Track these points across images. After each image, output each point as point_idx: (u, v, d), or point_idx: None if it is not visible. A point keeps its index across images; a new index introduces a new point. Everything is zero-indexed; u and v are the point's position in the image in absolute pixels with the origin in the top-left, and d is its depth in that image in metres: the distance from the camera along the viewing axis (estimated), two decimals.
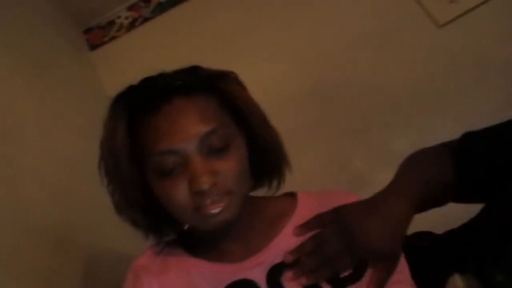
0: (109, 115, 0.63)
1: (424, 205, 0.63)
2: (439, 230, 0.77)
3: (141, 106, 0.60)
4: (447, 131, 1.27)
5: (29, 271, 0.75)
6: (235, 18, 1.55)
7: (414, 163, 0.67)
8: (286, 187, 0.72)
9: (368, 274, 0.62)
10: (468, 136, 0.65)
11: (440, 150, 0.67)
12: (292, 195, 0.72)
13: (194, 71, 0.64)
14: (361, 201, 0.64)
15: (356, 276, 0.62)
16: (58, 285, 0.81)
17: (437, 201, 0.65)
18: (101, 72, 1.57)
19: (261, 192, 0.71)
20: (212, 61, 0.66)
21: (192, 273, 0.65)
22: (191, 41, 1.55)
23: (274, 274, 0.63)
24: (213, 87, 0.62)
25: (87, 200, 1.04)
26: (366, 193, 0.66)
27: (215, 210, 0.58)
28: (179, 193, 0.58)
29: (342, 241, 0.60)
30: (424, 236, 0.68)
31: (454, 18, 1.38)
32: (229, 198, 0.58)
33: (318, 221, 0.64)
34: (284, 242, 0.65)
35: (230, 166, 0.59)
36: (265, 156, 0.67)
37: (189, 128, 0.58)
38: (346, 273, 0.62)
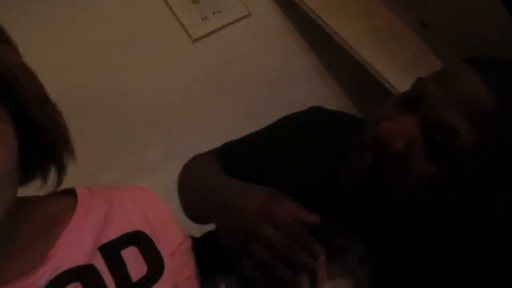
0: None
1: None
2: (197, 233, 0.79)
3: None
4: (198, 141, 1.36)
5: None
6: None
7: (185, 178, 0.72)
8: None
9: (166, 273, 0.56)
10: (230, 143, 0.77)
11: (207, 159, 0.74)
12: (70, 193, 0.58)
13: None
14: None
15: (153, 277, 0.55)
16: None
17: None
18: None
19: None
20: None
21: None
22: None
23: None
24: None
25: None
26: None
27: None
28: None
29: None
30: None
31: (206, 34, 1.49)
32: None
33: None
34: (62, 253, 0.51)
35: None
36: (39, 141, 0.50)
37: None
38: (139, 276, 0.54)
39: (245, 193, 0.59)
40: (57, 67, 1.30)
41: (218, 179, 0.66)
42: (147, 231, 0.58)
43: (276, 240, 0.53)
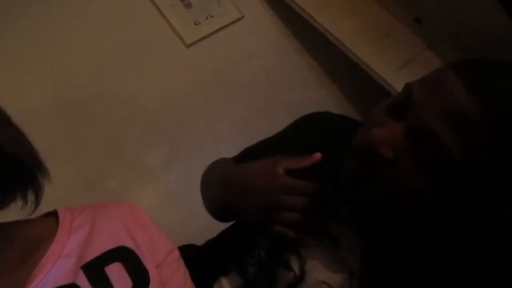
0: None
1: None
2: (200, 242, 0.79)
3: None
4: (197, 143, 1.36)
5: None
6: None
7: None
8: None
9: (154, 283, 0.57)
10: (246, 149, 0.78)
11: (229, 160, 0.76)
12: (52, 214, 0.59)
13: None
14: None
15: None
16: None
17: None
18: None
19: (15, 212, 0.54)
20: None
21: None
22: None
23: None
24: None
25: None
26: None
27: None
28: None
29: None
30: (186, 249, 0.68)
31: (199, 39, 1.48)
32: None
33: None
34: (45, 273, 0.52)
35: None
36: (11, 165, 0.51)
37: None
38: None
39: (254, 172, 0.62)
40: (52, 74, 1.30)
41: (233, 165, 0.72)
42: (131, 246, 0.58)
43: (298, 202, 0.56)
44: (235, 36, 1.53)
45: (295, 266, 0.59)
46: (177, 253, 0.63)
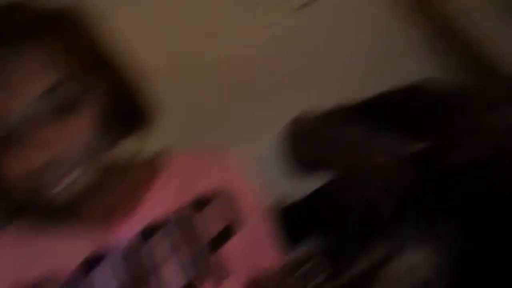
0: None
1: None
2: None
3: None
4: (294, 110, 1.35)
5: None
6: None
7: None
8: None
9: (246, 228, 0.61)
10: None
11: None
12: (160, 155, 0.66)
13: (19, 9, 0.51)
14: None
15: (229, 235, 0.60)
16: None
17: None
18: None
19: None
20: None
21: (43, 243, 0.56)
22: None
23: (139, 241, 0.57)
24: (48, 33, 0.50)
25: None
26: None
27: (60, 187, 0.49)
28: (13, 168, 0.48)
29: None
30: (275, 206, 0.71)
31: (307, 3, 1.45)
32: (78, 169, 0.50)
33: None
34: (150, 207, 0.60)
35: (79, 131, 0.50)
36: (127, 110, 0.58)
37: (18, 87, 0.47)
38: (217, 231, 0.60)
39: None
40: (154, 35, 1.35)
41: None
42: (226, 191, 0.63)
43: None
44: (345, 4, 1.47)
45: (390, 241, 0.59)
46: (267, 204, 0.67)
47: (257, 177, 0.68)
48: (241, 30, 1.41)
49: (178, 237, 0.59)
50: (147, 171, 0.64)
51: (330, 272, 0.67)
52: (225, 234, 0.61)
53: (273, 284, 0.60)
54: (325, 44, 1.44)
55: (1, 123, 0.47)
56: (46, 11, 0.52)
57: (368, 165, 0.58)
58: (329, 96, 0.86)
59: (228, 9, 1.42)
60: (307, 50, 1.43)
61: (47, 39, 0.51)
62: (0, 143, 0.47)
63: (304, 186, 0.77)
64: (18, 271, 0.55)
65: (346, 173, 0.62)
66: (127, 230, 0.58)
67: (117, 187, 0.60)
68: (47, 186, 0.49)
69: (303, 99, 1.38)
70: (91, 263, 0.56)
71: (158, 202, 0.60)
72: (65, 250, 0.56)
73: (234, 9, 1.42)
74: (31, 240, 0.57)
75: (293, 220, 0.69)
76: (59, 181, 0.49)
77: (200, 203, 0.62)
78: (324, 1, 1.46)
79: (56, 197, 0.50)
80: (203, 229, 0.60)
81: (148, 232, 0.58)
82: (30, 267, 0.56)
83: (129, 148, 0.62)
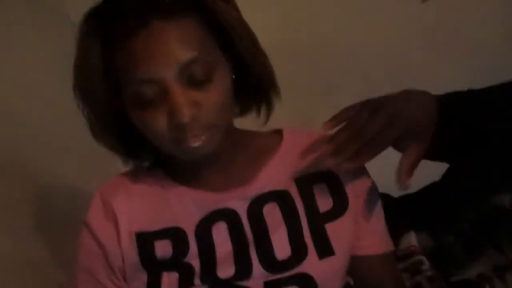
0: (80, 34, 0.56)
1: None
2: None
3: (115, 28, 0.54)
4: None
5: None
6: None
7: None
8: None
9: (350, 209, 0.63)
10: (451, 93, 0.67)
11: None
12: (278, 133, 0.70)
13: None
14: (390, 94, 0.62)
15: (337, 212, 0.63)
16: (4, 211, 0.78)
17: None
18: None
19: (249, 121, 0.67)
20: None
21: (170, 197, 0.64)
22: None
23: (256, 206, 0.62)
24: (198, 6, 0.56)
25: (52, 135, 1.00)
26: None
27: (196, 144, 0.55)
28: (158, 125, 0.54)
29: (382, 117, 0.57)
30: (381, 197, 0.70)
31: None
32: (210, 131, 0.55)
33: (347, 110, 0.62)
34: (267, 177, 0.64)
35: (213, 98, 0.55)
36: (253, 82, 0.62)
37: (169, 55, 0.52)
38: (325, 209, 0.62)
39: None
40: (279, 21, 1.38)
41: None
42: (336, 173, 0.65)
43: None
44: None
45: (508, 250, 0.55)
46: (375, 191, 0.67)
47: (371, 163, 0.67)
48: (369, 19, 1.39)
49: (288, 209, 0.63)
50: (265, 144, 0.68)
51: (434, 273, 0.65)
52: (332, 213, 0.63)
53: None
54: (452, 35, 1.35)
55: (154, 85, 0.53)
56: None
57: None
58: (457, 87, 0.82)
59: (355, 1, 1.40)
60: (434, 41, 1.36)
61: (200, 12, 0.56)
62: (151, 102, 0.54)
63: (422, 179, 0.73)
64: (147, 218, 0.63)
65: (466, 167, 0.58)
66: (242, 196, 0.63)
67: (238, 155, 0.66)
68: (187, 140, 0.55)
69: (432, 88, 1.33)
70: (210, 222, 0.62)
71: (273, 175, 0.64)
72: (183, 209, 0.63)
73: (361, 1, 1.40)
74: (159, 193, 0.65)
75: (403, 212, 0.67)
76: (197, 138, 0.55)
77: (310, 181, 0.65)
78: None
79: (193, 151, 0.56)
80: (310, 204, 0.64)
81: (263, 200, 0.63)
82: (155, 216, 0.63)
83: (252, 120, 0.66)
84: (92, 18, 0.57)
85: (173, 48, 0.53)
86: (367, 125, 0.56)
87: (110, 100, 0.58)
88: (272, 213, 0.62)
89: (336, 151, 0.58)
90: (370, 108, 0.57)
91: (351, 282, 0.66)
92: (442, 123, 0.59)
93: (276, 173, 0.65)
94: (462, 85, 0.81)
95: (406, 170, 0.57)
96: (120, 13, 0.55)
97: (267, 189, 0.64)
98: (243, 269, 0.60)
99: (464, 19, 1.36)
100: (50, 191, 0.94)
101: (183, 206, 0.63)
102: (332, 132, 0.60)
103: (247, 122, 0.68)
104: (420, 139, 0.58)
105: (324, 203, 0.64)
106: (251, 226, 0.62)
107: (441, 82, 1.30)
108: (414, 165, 0.58)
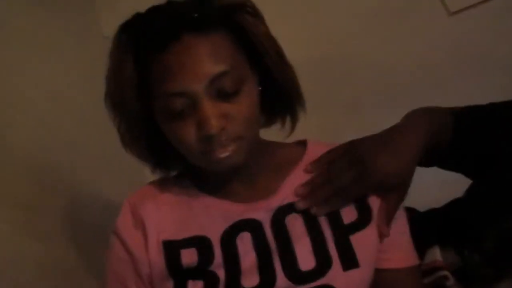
0: (114, 46, 0.59)
1: (427, 151, 0.63)
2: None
3: (148, 41, 0.57)
4: None
5: (7, 198, 0.74)
6: None
7: (422, 111, 0.69)
8: None
9: (374, 221, 0.63)
10: (471, 107, 0.69)
11: (445, 110, 0.70)
12: (302, 144, 0.72)
13: (205, 1, 0.59)
14: (375, 134, 0.64)
15: (362, 224, 0.63)
16: (37, 217, 0.80)
17: (433, 153, 0.65)
18: (100, 9, 1.51)
19: (273, 133, 0.69)
20: None
21: (196, 207, 0.65)
22: None
23: (279, 216, 0.63)
24: (227, 21, 0.58)
25: (85, 144, 1.03)
26: None
27: (223, 155, 0.56)
28: (187, 136, 0.56)
29: (354, 170, 0.60)
30: (407, 210, 0.70)
31: (465, 8, 1.36)
32: (237, 143, 0.57)
33: (329, 155, 0.65)
34: (290, 188, 0.65)
35: (241, 111, 0.56)
36: (279, 95, 0.64)
37: (199, 69, 0.54)
38: (350, 221, 0.63)
39: None
40: (306, 36, 1.40)
41: None
42: None
43: None
44: (499, 11, 1.34)
45: None
46: (402, 207, 0.66)
47: None
48: (396, 34, 1.39)
49: (310, 220, 0.63)
50: (289, 155, 0.69)
51: None
52: (356, 225, 0.63)
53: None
54: (482, 48, 1.33)
55: (184, 97, 0.55)
56: (229, 2, 0.59)
57: None
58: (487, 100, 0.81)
59: (383, 13, 1.40)
60: (464, 55, 1.34)
61: (230, 27, 0.58)
62: (181, 114, 0.56)
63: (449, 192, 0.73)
64: (174, 227, 0.64)
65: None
66: (267, 207, 0.64)
67: (263, 166, 0.67)
68: (215, 151, 0.56)
69: (459, 104, 1.31)
70: (235, 232, 0.63)
71: (299, 182, 0.65)
72: (209, 219, 0.64)
73: (389, 13, 1.40)
74: (186, 202, 0.66)
75: (429, 226, 0.67)
76: (224, 149, 0.56)
77: None
78: (482, 5, 1.36)
79: (220, 162, 0.57)
80: (335, 216, 0.64)
81: (286, 211, 0.63)
82: (182, 225, 0.64)
83: (278, 133, 0.68)
84: (125, 31, 0.59)
85: (204, 62, 0.55)
86: (339, 177, 0.60)
87: (140, 111, 0.60)
88: (295, 224, 0.63)
89: (309, 194, 0.62)
90: (348, 159, 0.61)
91: None
92: (459, 137, 0.60)
93: (298, 184, 0.65)
94: (490, 101, 0.81)
95: (382, 219, 0.62)
96: (152, 27, 0.57)
97: (289, 200, 0.64)
98: (268, 279, 0.60)
99: (493, 33, 1.35)
100: (81, 199, 0.96)
101: (209, 216, 0.64)
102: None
103: (271, 133, 0.69)
104: (393, 190, 0.62)
105: (349, 214, 0.64)
106: (275, 237, 0.62)
107: (469, 98, 1.29)
108: (391, 213, 0.62)
